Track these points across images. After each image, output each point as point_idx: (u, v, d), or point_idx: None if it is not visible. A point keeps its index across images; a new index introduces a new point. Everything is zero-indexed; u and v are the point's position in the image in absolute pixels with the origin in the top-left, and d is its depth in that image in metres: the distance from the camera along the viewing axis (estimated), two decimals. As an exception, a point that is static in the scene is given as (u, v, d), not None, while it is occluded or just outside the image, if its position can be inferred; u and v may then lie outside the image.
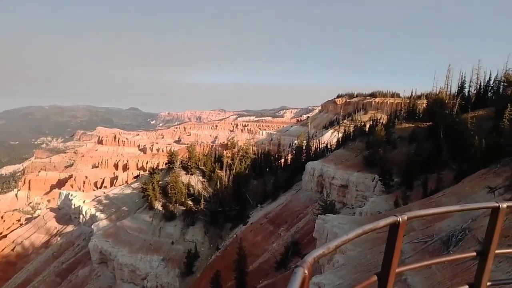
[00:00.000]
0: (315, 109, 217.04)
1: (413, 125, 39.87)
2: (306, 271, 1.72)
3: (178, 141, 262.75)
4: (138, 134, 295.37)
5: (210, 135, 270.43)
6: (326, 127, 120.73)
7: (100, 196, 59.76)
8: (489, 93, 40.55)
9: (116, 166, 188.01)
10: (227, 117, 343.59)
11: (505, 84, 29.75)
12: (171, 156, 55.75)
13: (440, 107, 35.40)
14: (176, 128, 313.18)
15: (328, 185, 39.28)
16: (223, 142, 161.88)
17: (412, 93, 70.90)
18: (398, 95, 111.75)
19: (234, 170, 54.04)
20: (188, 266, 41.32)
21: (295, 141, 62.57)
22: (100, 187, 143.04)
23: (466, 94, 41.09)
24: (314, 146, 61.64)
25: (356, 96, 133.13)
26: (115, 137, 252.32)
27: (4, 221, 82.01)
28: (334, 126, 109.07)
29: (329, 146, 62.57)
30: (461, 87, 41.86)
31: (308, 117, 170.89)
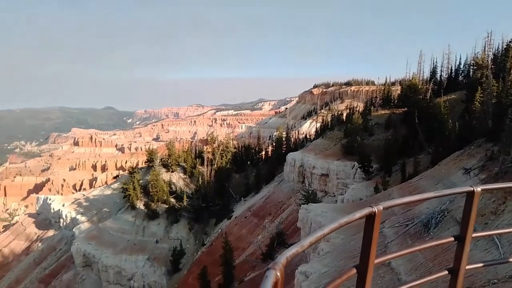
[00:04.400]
0: (293, 100, 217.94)
1: (388, 112, 40.59)
2: (279, 273, 1.62)
3: (156, 139, 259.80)
4: (115, 134, 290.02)
5: (189, 131, 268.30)
6: (304, 118, 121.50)
7: (79, 199, 58.56)
8: (460, 77, 41.66)
9: (94, 167, 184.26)
10: (205, 112, 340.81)
11: (475, 67, 30.58)
12: (150, 154, 55.07)
13: (414, 93, 36.13)
14: (154, 125, 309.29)
15: (309, 175, 39.66)
16: (203, 137, 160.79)
17: (386, 80, 72.28)
18: (373, 83, 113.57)
19: (215, 165, 53.84)
20: (174, 263, 41.11)
21: (275, 133, 62.89)
22: (79, 190, 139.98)
23: (438, 78, 42.07)
24: (294, 137, 62.00)
25: (332, 85, 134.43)
26: (91, 138, 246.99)
27: (-20, 230, 79.33)
28: (312, 116, 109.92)
29: (308, 136, 63.03)
30: (433, 72, 42.83)
31: (286, 108, 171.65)
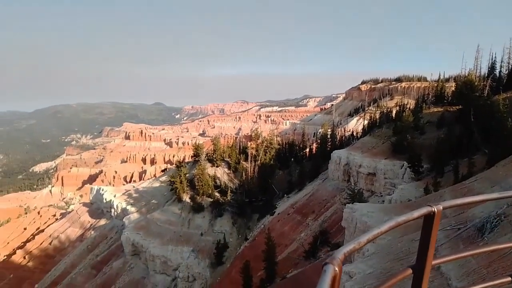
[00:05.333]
0: (339, 96, 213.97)
1: (441, 109, 38.68)
2: (337, 268, 1.61)
3: (202, 134, 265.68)
4: (164, 129, 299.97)
5: (234, 127, 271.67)
6: (351, 115, 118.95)
7: (130, 190, 61.25)
8: (523, 72, 38.69)
9: (144, 160, 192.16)
10: (250, 109, 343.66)
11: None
12: (197, 149, 56.38)
13: (469, 90, 34.10)
14: (200, 121, 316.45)
15: (355, 174, 38.79)
16: (247, 133, 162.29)
17: (440, 76, 68.67)
18: (425, 79, 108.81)
19: (259, 161, 54.14)
20: (218, 256, 41.90)
21: (320, 130, 62.00)
22: (130, 181, 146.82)
23: (497, 75, 39.37)
24: (339, 134, 60.90)
25: (381, 81, 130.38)
26: (141, 132, 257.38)
27: (41, 216, 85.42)
28: (359, 113, 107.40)
29: (354, 133, 61.65)
30: (492, 68, 40.13)
31: (332, 105, 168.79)
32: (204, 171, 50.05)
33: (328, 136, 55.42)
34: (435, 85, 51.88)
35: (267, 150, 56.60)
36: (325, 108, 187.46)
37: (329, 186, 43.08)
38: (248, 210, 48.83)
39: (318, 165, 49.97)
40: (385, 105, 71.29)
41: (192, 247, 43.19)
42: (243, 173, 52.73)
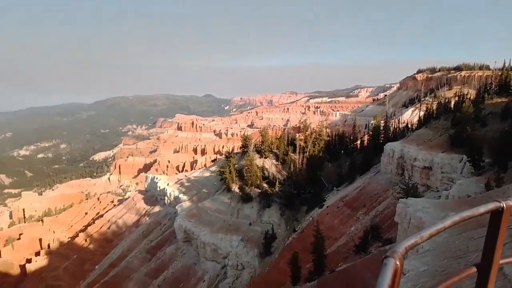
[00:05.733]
0: (393, 86, 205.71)
1: (506, 100, 35.91)
2: (398, 262, 1.54)
3: (251, 125, 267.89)
4: (214, 120, 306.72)
5: (282, 118, 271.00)
6: (405, 106, 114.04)
7: (182, 179, 63.44)
8: None
9: (195, 150, 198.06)
10: (299, 100, 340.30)
11: None
12: (245, 140, 56.96)
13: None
14: (249, 112, 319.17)
15: (409, 167, 37.22)
16: (295, 125, 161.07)
17: (504, 64, 63.68)
18: (487, 68, 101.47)
19: (307, 153, 53.65)
20: (266, 246, 42.32)
21: (372, 122, 60.00)
22: (181, 171, 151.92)
23: None
24: (393, 126, 58.63)
25: (439, 70, 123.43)
26: (192, 123, 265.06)
27: (100, 202, 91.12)
28: (414, 104, 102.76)
29: (409, 125, 58.99)
30: None
31: (386, 95, 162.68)
32: (253, 162, 50.55)
33: (381, 128, 53.51)
34: (499, 74, 48.24)
35: (316, 142, 55.86)
36: (377, 99, 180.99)
37: (381, 180, 41.75)
38: (297, 202, 48.67)
39: (369, 158, 48.50)
40: (442, 95, 67.51)
41: (241, 236, 43.98)
42: (291, 165, 52.57)
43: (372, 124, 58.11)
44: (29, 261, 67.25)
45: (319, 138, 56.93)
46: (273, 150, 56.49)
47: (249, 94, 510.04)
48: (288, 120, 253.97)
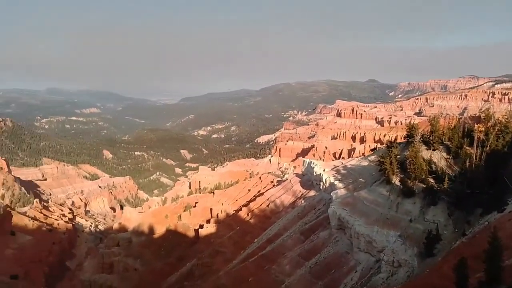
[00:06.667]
0: None
1: None
2: None
3: (418, 113, 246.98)
4: (376, 107, 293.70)
5: (458, 106, 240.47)
6: None
7: (338, 166, 62.67)
8: None
9: (353, 138, 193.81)
10: (480, 85, 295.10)
11: None
12: (411, 129, 52.20)
13: None
14: (417, 99, 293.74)
15: None
16: (474, 114, 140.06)
17: None
18: None
19: (488, 147, 45.77)
20: (428, 247, 38.26)
21: None
22: (338, 158, 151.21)
23: None
24: None
25: None
26: (353, 110, 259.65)
27: (261, 181, 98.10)
28: None
29: None
30: None
31: None
32: (418, 154, 46.01)
33: None
34: None
35: (501, 135, 47.08)
36: None
37: None
38: (470, 202, 42.37)
39: None
40: None
41: (399, 232, 40.92)
42: (466, 160, 45.81)
43: None
44: (201, 226, 78.42)
45: (505, 130, 47.84)
46: (444, 142, 50.23)
47: (418, 79, 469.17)
48: (465, 109, 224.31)
